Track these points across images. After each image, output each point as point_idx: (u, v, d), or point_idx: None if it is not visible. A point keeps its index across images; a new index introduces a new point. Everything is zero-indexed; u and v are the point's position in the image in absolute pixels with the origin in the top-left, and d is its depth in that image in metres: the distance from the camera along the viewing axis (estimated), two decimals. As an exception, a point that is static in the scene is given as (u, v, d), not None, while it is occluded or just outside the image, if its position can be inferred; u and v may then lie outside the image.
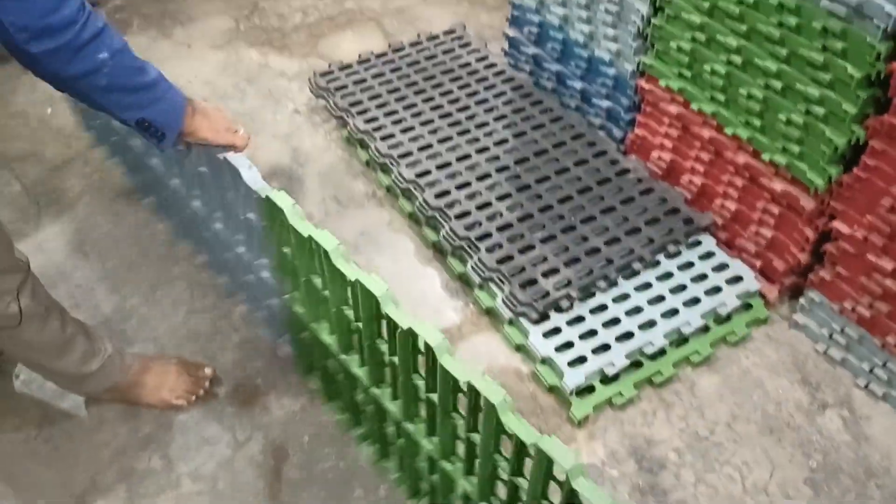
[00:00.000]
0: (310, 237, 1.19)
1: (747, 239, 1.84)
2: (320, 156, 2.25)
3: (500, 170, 2.00)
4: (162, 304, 1.84)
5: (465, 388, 1.03)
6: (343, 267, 1.15)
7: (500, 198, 1.92)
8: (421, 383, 1.17)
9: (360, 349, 1.31)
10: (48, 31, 0.96)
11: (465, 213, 1.88)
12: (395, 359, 1.17)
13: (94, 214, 2.06)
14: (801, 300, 1.77)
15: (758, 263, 1.83)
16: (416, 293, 1.88)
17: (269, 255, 1.42)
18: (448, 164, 2.02)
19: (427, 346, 1.04)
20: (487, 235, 1.83)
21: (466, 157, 2.04)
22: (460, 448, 1.19)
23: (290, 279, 1.42)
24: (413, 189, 1.97)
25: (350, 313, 1.26)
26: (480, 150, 2.06)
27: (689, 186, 1.93)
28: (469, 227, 1.84)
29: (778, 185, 1.68)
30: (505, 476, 1.09)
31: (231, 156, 1.30)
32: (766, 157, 1.68)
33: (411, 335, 1.07)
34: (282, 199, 1.22)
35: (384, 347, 1.22)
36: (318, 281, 1.31)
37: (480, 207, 1.90)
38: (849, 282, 1.63)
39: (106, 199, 2.10)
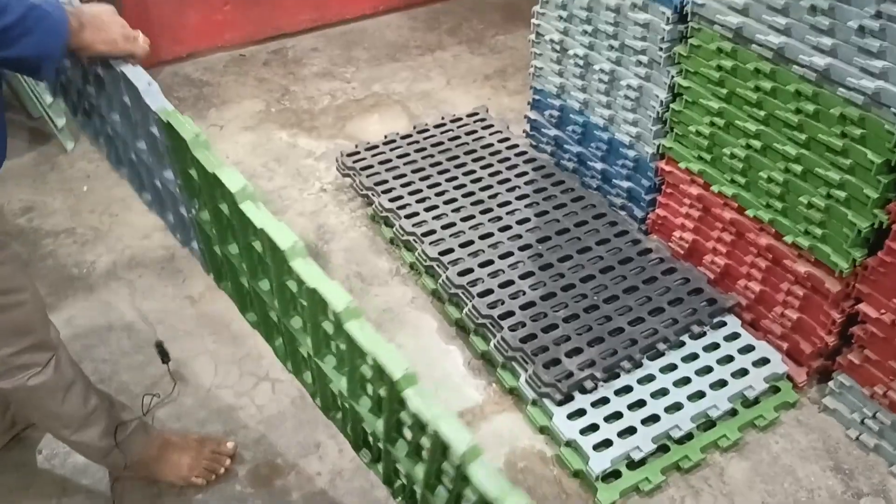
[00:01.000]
0: (214, 175, 1.03)
1: (773, 320, 1.82)
2: (345, 232, 2.28)
3: (522, 248, 2.02)
4: (186, 378, 1.84)
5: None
6: (251, 213, 0.99)
7: (523, 276, 1.93)
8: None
9: (269, 281, 1.14)
10: None
11: (488, 292, 1.89)
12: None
13: (122, 289, 2.09)
14: (831, 384, 1.73)
15: (784, 345, 1.80)
16: (439, 371, 1.87)
17: (175, 172, 1.23)
18: (471, 243, 2.04)
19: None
20: (510, 314, 1.82)
21: (489, 235, 2.06)
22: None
23: (196, 198, 1.23)
24: (436, 267, 1.99)
25: (258, 246, 1.09)
26: (503, 229, 2.08)
27: (712, 267, 1.92)
28: (492, 306, 1.85)
29: (802, 268, 1.68)
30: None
31: (130, 70, 1.14)
32: (788, 239, 1.68)
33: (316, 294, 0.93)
34: (184, 126, 1.06)
35: (294, 288, 1.05)
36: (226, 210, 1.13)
37: (503, 286, 1.90)
38: (879, 366, 1.60)
39: (135, 275, 2.14)
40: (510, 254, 2.00)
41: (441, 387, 1.82)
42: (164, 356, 1.80)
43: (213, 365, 1.88)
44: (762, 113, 1.63)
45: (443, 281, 1.94)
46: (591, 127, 2.20)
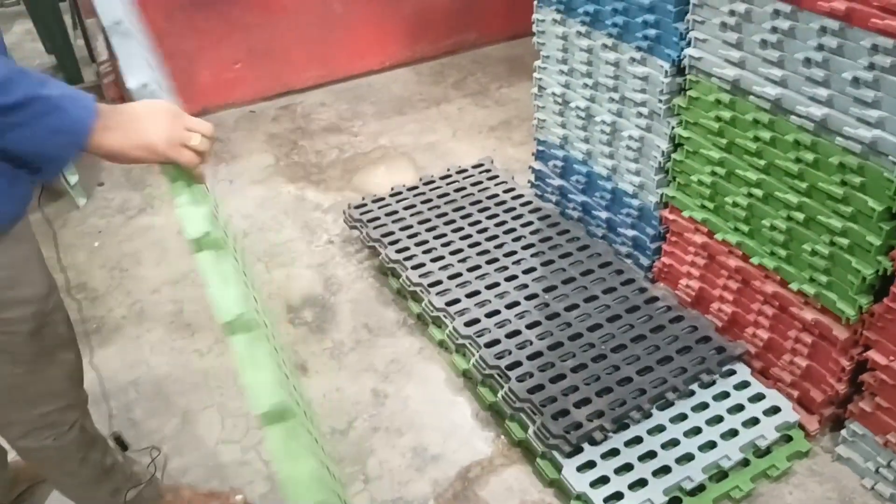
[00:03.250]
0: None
1: (782, 368, 1.80)
2: (352, 284, 2.30)
3: (528, 298, 2.02)
4: (194, 431, 1.84)
5: None
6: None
7: (530, 326, 1.93)
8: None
9: None
10: None
11: (495, 342, 1.88)
12: None
13: (129, 343, 2.10)
14: (843, 432, 1.71)
15: (795, 393, 1.78)
16: (447, 423, 1.85)
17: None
18: (477, 293, 2.04)
19: None
20: (517, 364, 1.82)
21: (495, 285, 2.07)
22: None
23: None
24: (443, 317, 1.99)
25: None
26: (509, 279, 2.08)
27: (719, 314, 1.92)
28: (499, 356, 1.84)
29: (808, 315, 1.67)
30: None
31: None
32: (794, 286, 1.68)
33: None
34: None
35: None
36: None
37: (510, 336, 1.90)
38: (891, 413, 1.57)
39: (144, 330, 2.15)
40: (517, 303, 2.00)
41: (449, 438, 1.80)
42: (123, 447, 1.76)
43: (220, 418, 1.88)
44: (762, 162, 1.64)
45: (450, 331, 1.94)
46: (594, 177, 2.22)
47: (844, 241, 1.52)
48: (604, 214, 2.23)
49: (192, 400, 1.92)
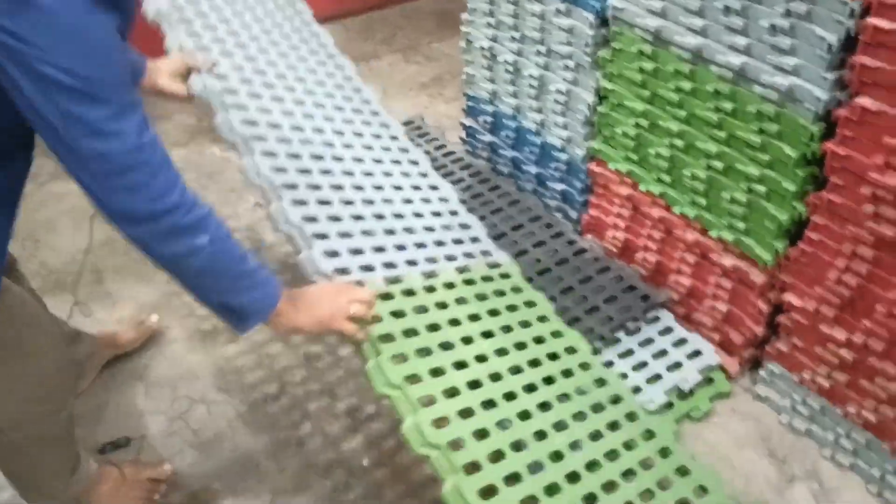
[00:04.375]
0: None
1: (704, 313, 1.84)
2: (283, 247, 2.23)
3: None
4: (118, 402, 1.77)
5: None
6: None
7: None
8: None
9: None
10: (151, 217, 0.97)
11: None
12: None
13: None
14: (762, 372, 1.76)
15: (716, 337, 1.83)
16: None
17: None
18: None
19: None
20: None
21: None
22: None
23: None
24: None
25: None
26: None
27: (644, 263, 1.94)
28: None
29: (728, 261, 1.70)
30: None
31: None
32: (714, 233, 1.70)
33: None
34: None
35: None
36: None
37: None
38: (805, 353, 1.63)
39: (60, 301, 2.04)
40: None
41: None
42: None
43: (144, 389, 1.81)
44: (684, 113, 1.65)
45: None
46: (523, 132, 2.20)
47: (762, 189, 1.55)
48: (533, 169, 2.22)
49: (116, 370, 1.84)
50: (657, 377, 1.72)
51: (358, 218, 1.51)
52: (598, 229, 2.07)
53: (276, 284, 1.13)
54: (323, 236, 1.40)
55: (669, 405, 1.70)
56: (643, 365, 1.74)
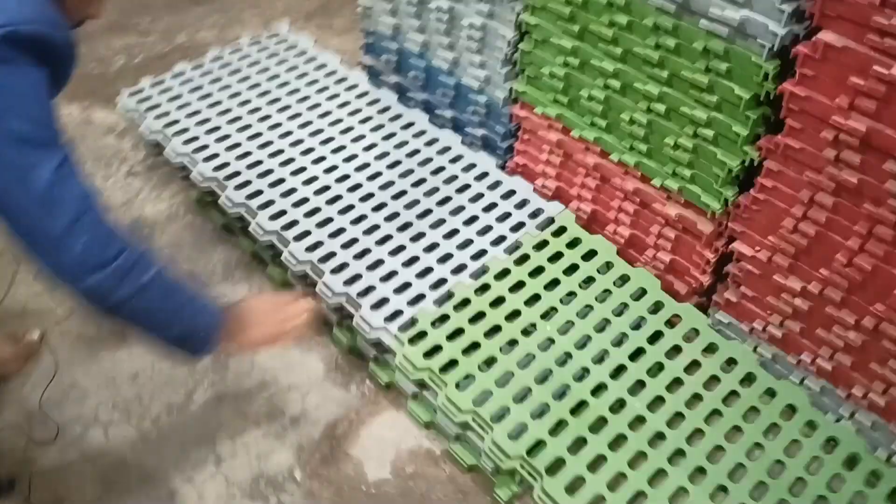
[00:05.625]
0: None
1: (645, 263, 1.75)
2: (167, 225, 1.97)
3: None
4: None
5: None
6: None
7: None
8: None
9: None
10: (101, 265, 0.98)
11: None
12: None
13: None
14: (709, 321, 1.70)
15: (659, 285, 1.74)
16: (303, 378, 1.65)
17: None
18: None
19: None
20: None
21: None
22: None
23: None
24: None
25: None
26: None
27: (579, 213, 1.82)
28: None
29: (672, 210, 1.60)
30: None
31: None
32: (656, 182, 1.59)
33: None
34: None
35: None
36: None
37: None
38: (756, 302, 1.57)
39: None
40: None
41: (308, 395, 1.62)
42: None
43: (25, 415, 1.56)
44: (619, 50, 1.49)
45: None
46: (434, 72, 1.99)
47: (709, 133, 1.43)
48: (448, 113, 2.03)
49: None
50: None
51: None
52: (527, 175, 1.91)
53: (218, 305, 1.16)
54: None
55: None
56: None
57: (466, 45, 1.82)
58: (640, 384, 1.51)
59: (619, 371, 1.53)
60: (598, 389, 1.50)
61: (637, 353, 1.56)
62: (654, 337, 1.59)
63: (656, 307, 1.64)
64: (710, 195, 1.52)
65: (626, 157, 1.62)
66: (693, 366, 1.55)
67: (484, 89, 1.88)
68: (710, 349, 1.59)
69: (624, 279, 1.69)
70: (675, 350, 1.58)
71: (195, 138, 1.91)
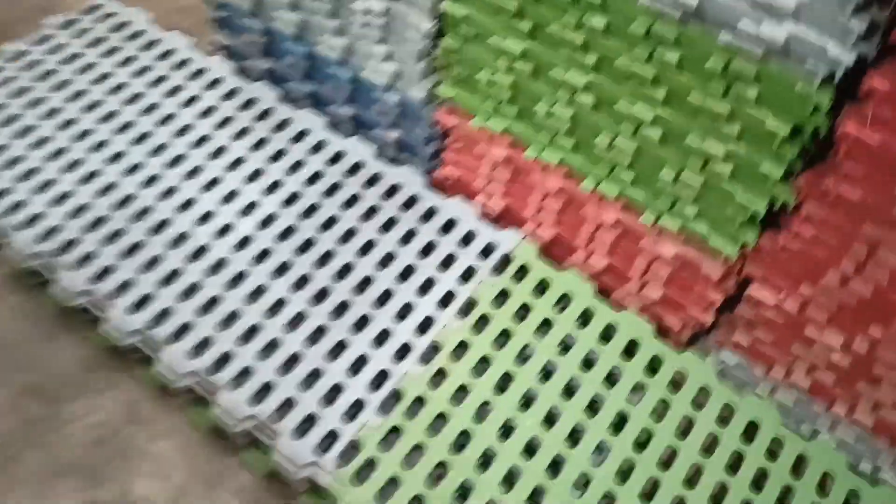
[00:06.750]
0: None
1: (625, 293, 1.44)
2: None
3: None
4: None
5: None
6: None
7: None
8: None
9: None
10: None
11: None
12: None
13: None
14: (713, 367, 1.43)
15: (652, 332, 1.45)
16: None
17: None
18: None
19: None
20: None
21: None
22: None
23: None
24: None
25: None
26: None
27: (536, 237, 1.46)
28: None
29: (668, 250, 1.28)
30: None
31: None
32: (646, 219, 1.25)
33: None
34: None
35: None
36: None
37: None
38: (777, 348, 1.30)
39: None
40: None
41: None
42: None
43: None
44: (592, 59, 1.10)
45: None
46: (320, 62, 1.52)
47: (725, 169, 1.09)
48: (347, 111, 1.58)
49: None
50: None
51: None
52: (462, 188, 1.53)
53: None
54: None
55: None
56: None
57: (362, 32, 1.36)
58: (654, 485, 1.24)
59: (628, 473, 1.25)
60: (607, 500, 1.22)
61: (646, 440, 1.28)
62: (661, 409, 1.30)
63: (654, 364, 1.35)
64: (722, 238, 1.19)
65: (604, 187, 1.26)
66: (713, 445, 1.29)
67: (394, 86, 1.44)
68: (727, 415, 1.32)
69: (609, 330, 1.37)
70: (689, 424, 1.30)
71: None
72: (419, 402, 1.27)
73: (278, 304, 1.36)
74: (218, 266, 1.40)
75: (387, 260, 1.42)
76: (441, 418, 1.26)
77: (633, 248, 1.35)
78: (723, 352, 1.40)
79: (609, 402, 1.30)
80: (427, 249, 1.44)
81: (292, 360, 1.30)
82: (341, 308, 1.36)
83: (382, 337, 1.34)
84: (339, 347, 1.32)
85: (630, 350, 1.36)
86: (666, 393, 1.31)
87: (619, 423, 1.28)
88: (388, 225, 1.47)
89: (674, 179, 1.15)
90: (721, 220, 1.17)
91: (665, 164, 1.15)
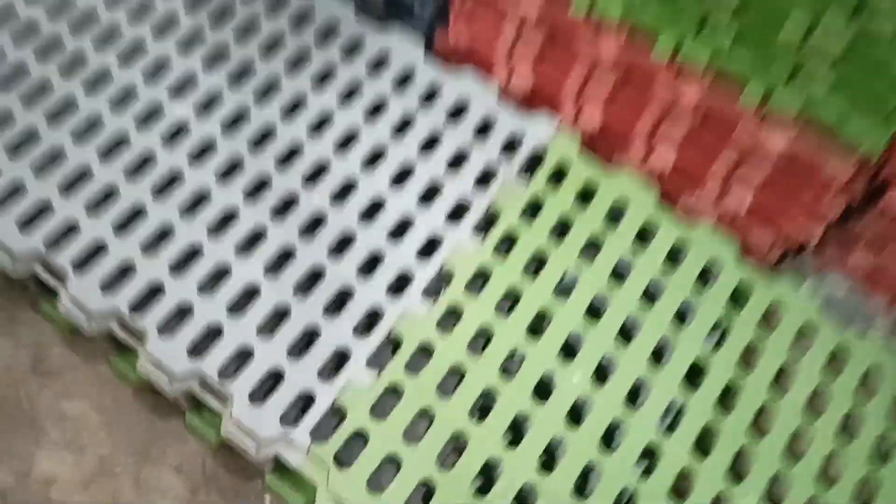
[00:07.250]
0: None
1: (701, 202, 1.09)
2: None
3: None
4: None
5: None
6: None
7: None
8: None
9: None
10: None
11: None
12: None
13: None
14: (807, 282, 1.11)
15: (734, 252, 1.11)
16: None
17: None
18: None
19: None
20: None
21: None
22: None
23: None
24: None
25: None
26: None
27: (578, 125, 1.10)
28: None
29: (775, 142, 0.92)
30: None
31: None
32: (750, 92, 0.88)
33: None
34: None
35: None
36: None
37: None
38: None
39: None
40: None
41: None
42: None
43: None
44: None
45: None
46: None
47: (886, 26, 0.71)
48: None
49: None
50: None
51: None
52: (476, 60, 1.15)
53: None
54: None
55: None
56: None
57: None
58: (744, 459, 0.93)
59: (708, 443, 0.93)
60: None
61: (730, 398, 0.96)
62: (749, 356, 0.98)
63: (737, 295, 1.02)
64: (864, 126, 0.83)
65: (688, 51, 0.88)
66: (820, 403, 0.98)
67: None
68: (839, 363, 1.00)
69: (677, 250, 1.04)
70: (788, 376, 0.98)
71: None
72: (424, 351, 0.95)
73: (228, 218, 1.01)
74: (144, 163, 1.03)
75: (374, 157, 1.06)
76: (454, 374, 0.94)
77: (719, 141, 0.98)
78: (829, 277, 1.07)
79: (680, 347, 0.98)
80: (430, 144, 1.07)
81: (249, 295, 0.96)
82: (315, 224, 1.02)
83: (372, 262, 1.00)
84: (313, 277, 0.98)
85: (705, 276, 1.02)
86: (756, 333, 0.99)
87: (694, 375, 0.97)
88: (376, 110, 1.09)
89: (802, 38, 0.78)
90: (866, 100, 0.80)
91: (790, 13, 0.77)
